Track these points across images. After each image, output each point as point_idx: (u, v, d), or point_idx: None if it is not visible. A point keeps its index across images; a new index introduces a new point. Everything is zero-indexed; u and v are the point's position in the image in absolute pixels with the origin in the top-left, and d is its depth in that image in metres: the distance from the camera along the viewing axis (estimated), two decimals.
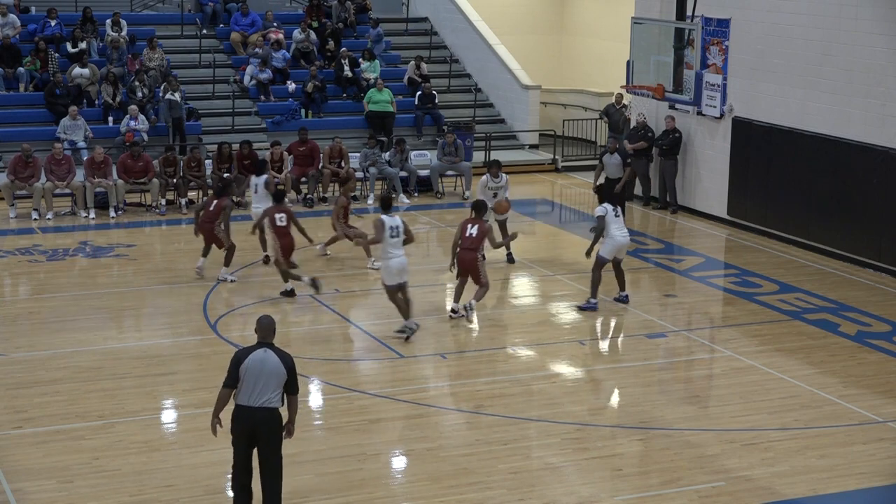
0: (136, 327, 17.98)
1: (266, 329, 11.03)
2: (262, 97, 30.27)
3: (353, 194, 22.67)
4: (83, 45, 29.96)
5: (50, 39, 29.95)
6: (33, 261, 20.92)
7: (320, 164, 25.97)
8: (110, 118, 28.41)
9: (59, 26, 30.58)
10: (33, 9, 32.16)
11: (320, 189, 25.99)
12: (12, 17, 30.34)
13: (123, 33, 30.62)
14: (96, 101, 28.86)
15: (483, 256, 17.86)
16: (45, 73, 29.05)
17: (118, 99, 28.54)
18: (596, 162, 30.34)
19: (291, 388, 11.02)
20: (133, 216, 24.62)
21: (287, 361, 10.94)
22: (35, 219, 23.84)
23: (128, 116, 27.50)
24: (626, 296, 18.58)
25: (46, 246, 21.92)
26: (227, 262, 19.71)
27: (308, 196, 25.74)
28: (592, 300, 18.33)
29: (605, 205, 18.21)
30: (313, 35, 32.04)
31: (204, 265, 19.70)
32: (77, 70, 29.04)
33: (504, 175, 21.37)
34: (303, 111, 30.04)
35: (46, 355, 16.03)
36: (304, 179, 25.95)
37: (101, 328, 17.48)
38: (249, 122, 29.81)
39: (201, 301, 18.53)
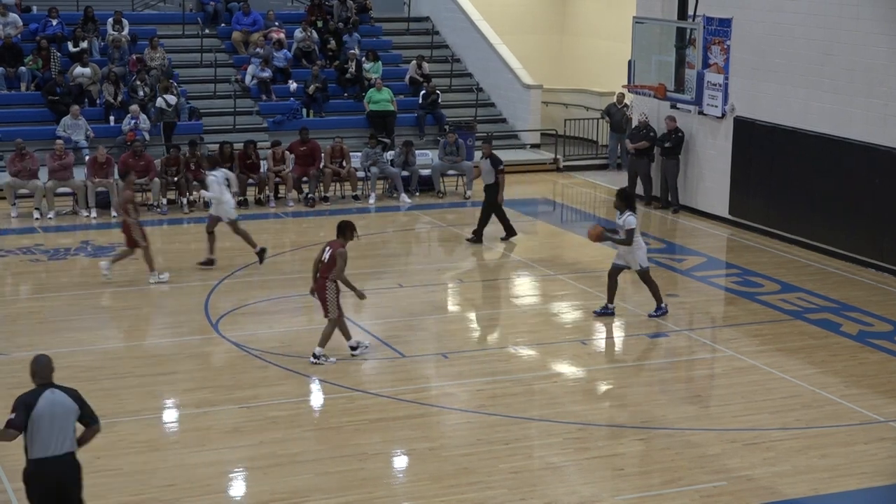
0: (137, 327, 17.96)
1: (45, 368, 10.05)
2: (264, 96, 30.26)
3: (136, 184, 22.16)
4: (84, 45, 29.96)
5: (51, 39, 29.95)
6: (35, 260, 20.92)
7: (321, 164, 25.96)
8: (111, 118, 28.42)
9: (61, 25, 30.58)
10: (35, 8, 32.18)
11: (321, 188, 25.97)
12: (14, 16, 30.35)
13: (125, 32, 30.62)
14: (97, 101, 28.87)
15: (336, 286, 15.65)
16: (46, 73, 29.05)
17: (119, 98, 28.55)
18: (601, 161, 30.50)
19: (92, 418, 10.08)
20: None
21: (74, 394, 9.99)
22: (37, 218, 23.84)
23: (129, 115, 27.49)
24: (614, 308, 18.23)
25: (48, 245, 21.92)
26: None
27: (309, 195, 25.72)
28: (663, 305, 17.97)
29: (634, 214, 17.47)
30: (315, 34, 32.05)
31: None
32: (78, 69, 29.05)
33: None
34: (304, 111, 30.04)
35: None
36: (305, 179, 25.94)
37: (102, 328, 17.49)
38: (251, 122, 29.81)
39: (202, 300, 18.52)
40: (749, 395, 14.94)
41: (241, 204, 24.82)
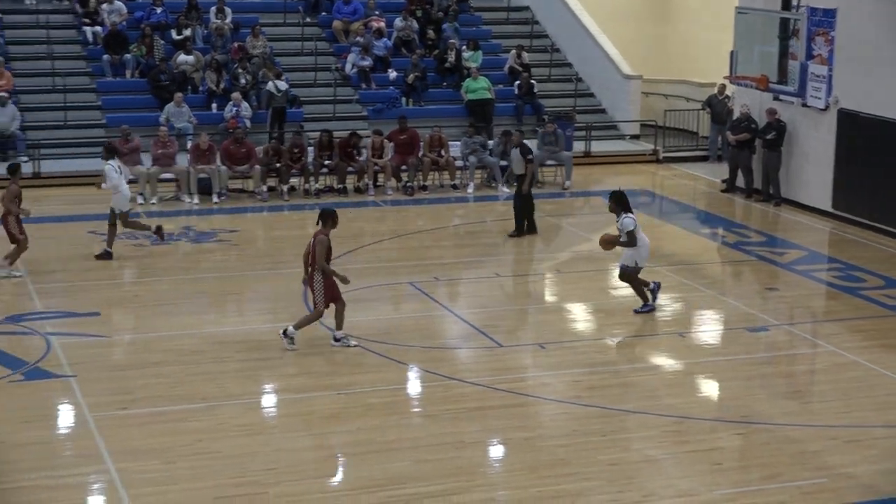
0: (238, 312, 18.20)
1: None
2: (364, 85, 30.42)
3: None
4: (188, 32, 30.34)
5: (155, 26, 30.37)
6: (138, 245, 21.24)
7: (420, 153, 26.04)
8: (214, 105, 28.76)
9: (165, 13, 31.00)
10: None
11: (420, 177, 26.05)
12: (119, 3, 30.83)
13: (227, 21, 30.96)
14: (200, 88, 29.23)
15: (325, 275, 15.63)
16: (150, 60, 29.47)
17: (222, 86, 28.87)
18: (702, 153, 30.22)
19: None
20: (235, 202, 24.91)
21: None
22: (140, 203, 24.21)
23: (231, 103, 27.81)
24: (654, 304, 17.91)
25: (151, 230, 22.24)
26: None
27: (408, 184, 25.81)
28: (648, 303, 17.71)
29: (631, 215, 17.28)
30: (415, 23, 32.13)
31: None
32: (182, 57, 29.44)
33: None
34: (403, 99, 30.14)
35: (151, 338, 16.29)
36: (404, 167, 26.03)
37: (203, 312, 17.72)
38: (350, 110, 29.98)
39: (301, 287, 18.67)
40: (851, 392, 14.72)
41: (341, 192, 25.01)
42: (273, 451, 12.64)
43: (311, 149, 25.59)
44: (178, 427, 13.18)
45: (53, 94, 28.97)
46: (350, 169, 25.62)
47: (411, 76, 30.07)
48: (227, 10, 31.27)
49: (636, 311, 17.60)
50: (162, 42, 30.00)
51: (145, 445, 12.67)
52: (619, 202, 17.35)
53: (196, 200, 24.60)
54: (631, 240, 17.22)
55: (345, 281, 15.81)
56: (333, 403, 14.01)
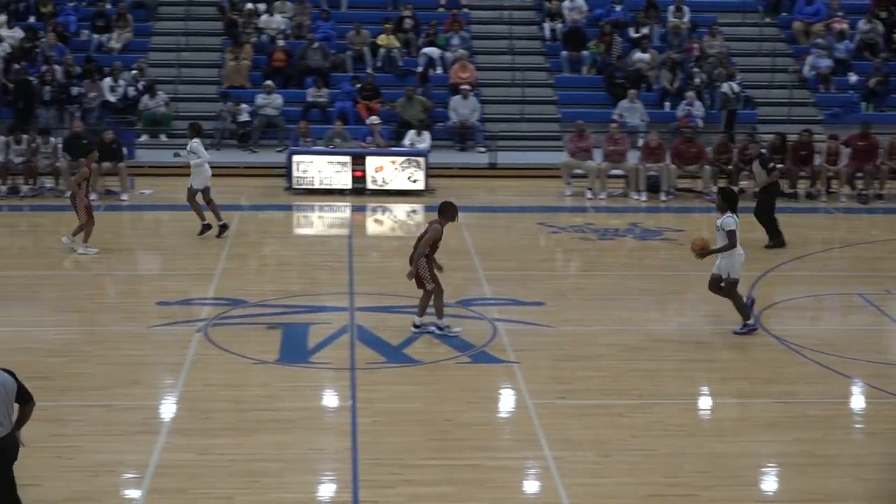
0: (680, 311, 18.14)
1: None
2: (821, 88, 29.57)
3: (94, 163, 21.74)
4: (645, 31, 30.57)
5: (614, 24, 30.78)
6: (585, 238, 21.61)
7: (878, 160, 25.01)
8: (667, 103, 28.84)
9: (624, 11, 31.38)
10: None
11: (877, 185, 25.03)
12: (580, 1, 31.46)
13: (685, 19, 30.94)
14: (654, 86, 29.37)
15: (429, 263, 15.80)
16: (607, 57, 29.90)
17: (676, 84, 28.89)
18: None
19: (27, 396, 9.85)
20: (683, 201, 24.87)
21: (10, 372, 9.79)
22: (589, 198, 24.62)
23: (684, 102, 27.77)
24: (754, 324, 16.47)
25: (598, 225, 22.58)
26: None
27: (863, 192, 24.87)
28: (750, 322, 16.34)
29: (734, 216, 16.07)
30: (880, 26, 30.88)
31: None
32: (638, 54, 29.70)
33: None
34: (862, 104, 29.05)
35: (592, 331, 16.52)
36: (860, 174, 25.09)
37: (645, 309, 17.76)
38: (806, 113, 29.25)
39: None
40: None
41: (791, 197, 24.42)
42: (706, 455, 12.51)
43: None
44: (614, 421, 13.30)
45: (512, 87, 29.98)
46: (802, 174, 24.96)
47: (873, 80, 28.92)
48: (685, 8, 31.26)
49: (735, 332, 16.24)
50: (620, 39, 30.36)
51: (581, 436, 12.86)
52: (728, 199, 16.16)
53: (644, 198, 24.75)
54: (731, 241, 15.91)
55: (410, 276, 15.88)
56: (771, 411, 13.69)
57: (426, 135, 26.44)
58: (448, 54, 30.30)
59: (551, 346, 15.81)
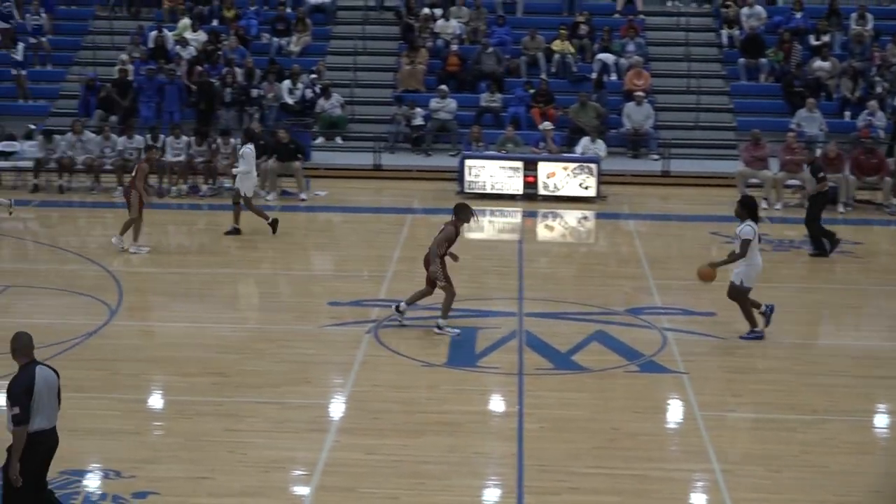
0: (856, 326, 17.70)
1: (30, 346, 9.83)
2: None
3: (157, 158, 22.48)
4: (826, 38, 29.92)
5: (794, 31, 30.19)
6: (759, 249, 21.12)
7: None
8: (847, 113, 28.16)
9: (804, 18, 30.75)
10: (780, 0, 32.57)
11: None
12: (759, 8, 30.96)
13: (868, 27, 30.17)
14: (834, 95, 28.72)
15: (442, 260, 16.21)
16: (786, 65, 29.35)
17: (857, 94, 28.20)
18: None
19: (59, 396, 10.04)
20: (861, 213, 24.27)
21: (55, 371, 9.97)
22: (764, 208, 24.17)
23: (865, 112, 27.08)
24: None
25: (773, 235, 22.11)
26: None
27: None
28: (757, 329, 16.07)
29: (753, 224, 15.95)
30: None
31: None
32: (818, 62, 29.09)
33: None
34: None
35: (764, 343, 16.13)
36: None
37: (820, 323, 17.49)
38: None
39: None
40: None
41: None
42: (881, 475, 12.18)
43: None
44: (786, 436, 13.04)
45: (687, 95, 29.64)
46: None
47: None
48: (869, 16, 30.47)
49: (741, 338, 16.04)
50: (799, 47, 29.76)
51: (750, 450, 12.66)
52: (747, 207, 16.17)
53: None
54: (742, 249, 15.69)
55: (435, 277, 16.08)
56: None
57: (601, 143, 26.31)
58: (623, 60, 30.11)
59: (722, 358, 15.59)
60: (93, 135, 26.02)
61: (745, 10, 30.95)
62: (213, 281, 19.08)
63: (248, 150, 21.70)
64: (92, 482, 11.60)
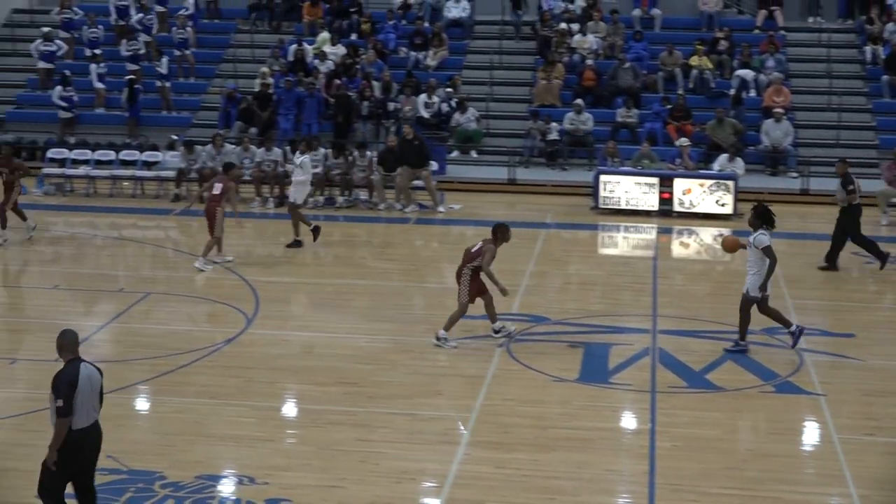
0: None
1: (75, 343, 10.15)
2: None
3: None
4: None
5: None
6: (867, 262, 20.79)
7: None
8: None
9: None
10: None
11: None
12: None
13: None
14: None
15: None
16: None
17: None
18: None
19: (102, 393, 10.37)
20: None
21: (98, 369, 10.30)
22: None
23: None
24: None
25: None
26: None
27: None
28: (742, 343, 15.94)
29: (768, 232, 15.98)
30: None
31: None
32: None
33: None
34: None
35: None
36: None
37: None
38: None
39: None
40: None
41: None
42: None
43: None
44: None
45: (828, 112, 29.13)
46: None
47: None
48: None
49: (727, 351, 16.04)
50: None
51: (889, 475, 12.37)
52: (762, 216, 16.06)
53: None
54: (771, 255, 15.67)
55: (504, 292, 16.18)
56: None
57: (739, 161, 25.99)
58: (762, 76, 29.72)
59: (860, 381, 15.26)
60: (232, 146, 26.54)
61: (889, 27, 30.32)
62: (349, 291, 19.28)
63: (307, 159, 22.13)
64: (226, 487, 11.80)
